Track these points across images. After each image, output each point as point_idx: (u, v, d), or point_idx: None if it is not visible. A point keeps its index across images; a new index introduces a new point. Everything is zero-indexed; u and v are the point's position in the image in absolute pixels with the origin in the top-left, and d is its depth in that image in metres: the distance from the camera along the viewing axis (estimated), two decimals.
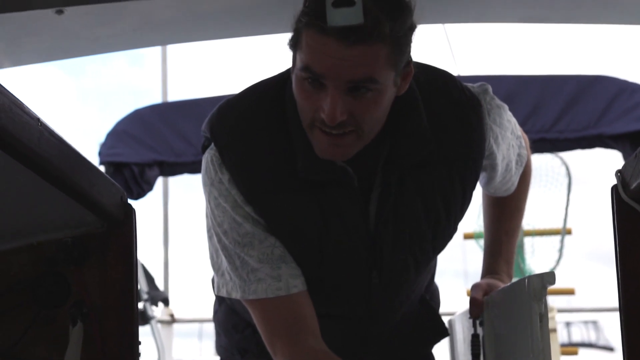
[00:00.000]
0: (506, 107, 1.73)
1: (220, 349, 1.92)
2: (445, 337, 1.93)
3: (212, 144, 1.59)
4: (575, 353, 5.53)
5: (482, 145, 1.64)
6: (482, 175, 1.79)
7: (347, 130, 1.45)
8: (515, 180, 1.89)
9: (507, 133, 1.75)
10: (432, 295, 1.90)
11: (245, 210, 1.57)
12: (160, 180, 5.60)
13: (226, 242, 1.59)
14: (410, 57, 1.48)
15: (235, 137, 1.57)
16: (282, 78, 1.60)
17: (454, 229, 1.70)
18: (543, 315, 1.45)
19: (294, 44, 1.46)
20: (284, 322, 1.59)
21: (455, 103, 1.62)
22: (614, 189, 1.36)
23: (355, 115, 1.44)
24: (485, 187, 1.88)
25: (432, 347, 1.95)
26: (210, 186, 1.59)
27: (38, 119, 1.02)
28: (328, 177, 1.55)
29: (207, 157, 1.59)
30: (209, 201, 1.60)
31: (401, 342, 1.82)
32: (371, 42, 1.38)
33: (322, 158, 1.51)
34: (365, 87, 1.42)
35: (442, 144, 1.59)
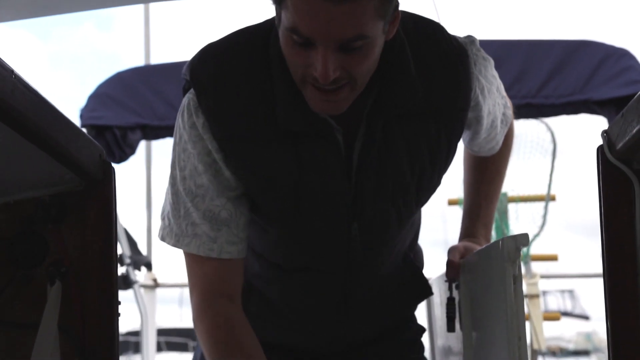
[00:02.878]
0: (492, 61, 1.71)
1: None
2: (429, 296, 1.92)
3: (192, 89, 1.56)
4: (557, 318, 5.56)
5: (468, 94, 1.62)
6: (467, 133, 1.78)
7: (340, 85, 1.44)
8: (500, 139, 1.88)
9: (493, 88, 1.73)
10: (415, 255, 1.88)
11: (211, 158, 1.56)
12: (143, 144, 5.56)
13: (180, 188, 1.59)
14: (397, 1, 1.46)
15: (215, 81, 1.54)
16: (268, 25, 1.57)
17: (438, 182, 1.68)
18: (517, 277, 1.45)
19: (277, 1, 1.43)
20: (206, 280, 1.61)
21: (442, 52, 1.60)
22: (600, 149, 1.35)
23: (348, 69, 1.42)
24: (469, 144, 1.86)
25: (415, 306, 1.94)
26: (182, 129, 1.57)
27: (12, 71, 0.99)
28: (309, 129, 1.53)
29: (185, 101, 1.57)
30: (177, 144, 1.59)
31: (385, 301, 1.80)
32: None
33: (317, 112, 1.50)
34: (356, 44, 1.39)
35: (428, 93, 1.57)
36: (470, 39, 1.66)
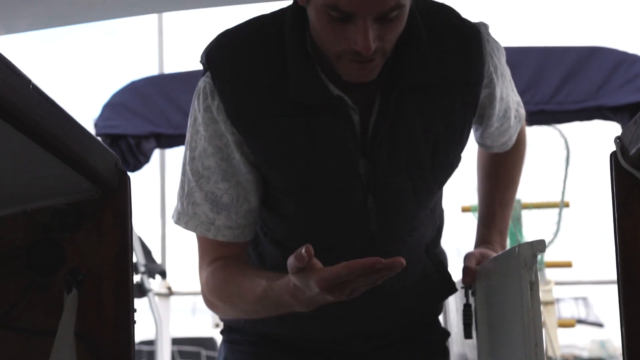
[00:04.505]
0: (504, 51, 1.74)
1: None
2: (453, 293, 1.90)
3: (208, 72, 1.61)
4: (572, 325, 5.54)
5: (482, 69, 1.64)
6: (479, 122, 1.78)
7: (376, 55, 1.48)
8: (513, 135, 1.89)
9: (506, 75, 1.76)
10: (439, 253, 1.88)
11: (222, 142, 1.60)
12: (157, 153, 5.58)
13: (188, 168, 1.65)
14: None
15: (229, 61, 1.59)
16: (281, 10, 1.62)
17: (455, 160, 1.69)
18: (533, 283, 1.44)
19: None
20: (210, 252, 1.69)
21: (454, 29, 1.63)
22: (613, 155, 1.35)
23: (383, 39, 1.46)
24: (481, 137, 1.86)
25: (440, 304, 1.93)
26: (196, 111, 1.62)
27: (29, 81, 1.00)
28: (322, 103, 1.56)
29: (200, 85, 1.62)
30: (191, 125, 1.64)
31: (408, 292, 1.78)
32: None
33: (352, 82, 1.53)
34: (392, 14, 1.44)
35: (442, 67, 1.60)
36: (482, 23, 1.69)
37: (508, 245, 1.97)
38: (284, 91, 1.55)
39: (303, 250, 1.35)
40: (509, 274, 1.53)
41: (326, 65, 1.56)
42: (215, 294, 1.68)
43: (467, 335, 1.79)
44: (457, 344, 2.11)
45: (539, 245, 1.44)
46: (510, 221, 2.04)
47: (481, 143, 1.90)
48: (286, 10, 1.61)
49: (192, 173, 1.64)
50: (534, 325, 1.43)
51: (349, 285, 1.38)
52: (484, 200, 1.98)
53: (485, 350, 1.74)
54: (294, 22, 1.57)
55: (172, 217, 1.71)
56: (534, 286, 1.43)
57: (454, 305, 2.05)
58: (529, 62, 4.21)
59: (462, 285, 1.81)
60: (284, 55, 1.56)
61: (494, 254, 1.82)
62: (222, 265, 1.67)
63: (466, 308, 1.79)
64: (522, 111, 1.89)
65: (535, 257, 1.44)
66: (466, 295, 1.80)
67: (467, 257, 1.82)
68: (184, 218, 1.67)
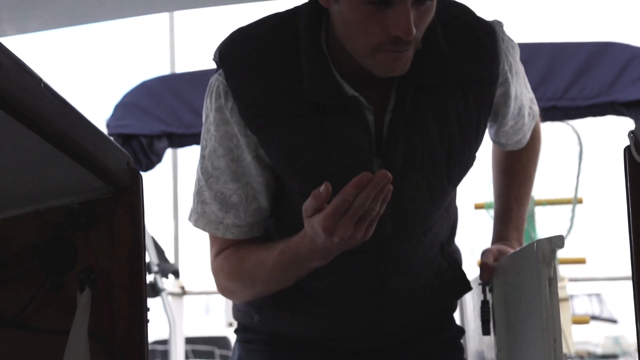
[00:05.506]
0: (518, 48, 1.74)
1: (237, 313, 1.91)
2: (468, 291, 1.89)
3: (220, 70, 1.60)
4: (586, 322, 5.52)
5: (496, 68, 1.64)
6: (494, 120, 1.77)
7: (411, 44, 1.48)
8: (527, 132, 1.88)
9: (521, 73, 1.75)
10: (454, 251, 1.87)
11: (232, 143, 1.60)
12: (169, 152, 5.59)
13: (198, 166, 1.66)
14: None
15: (243, 59, 1.59)
16: (294, 9, 1.62)
17: (470, 160, 1.68)
18: (552, 279, 1.44)
19: None
20: (218, 246, 1.72)
21: (470, 27, 1.63)
22: (627, 149, 1.35)
23: (417, 27, 1.46)
24: (496, 135, 1.86)
25: (454, 302, 1.92)
26: (208, 110, 1.63)
27: (40, 80, 1.00)
28: (336, 102, 1.56)
29: (213, 83, 1.61)
30: (204, 123, 1.65)
31: (422, 291, 1.77)
32: None
33: (385, 77, 1.53)
34: None
35: (457, 66, 1.59)
36: (497, 21, 1.69)
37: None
38: (297, 90, 1.55)
39: (322, 188, 1.38)
40: (527, 270, 1.53)
41: (340, 65, 1.56)
42: (232, 276, 1.70)
43: (485, 332, 1.79)
44: (474, 341, 2.11)
45: (558, 241, 1.44)
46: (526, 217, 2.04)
47: (496, 141, 1.90)
48: (299, 8, 1.61)
49: (202, 172, 1.65)
50: (553, 322, 1.42)
51: (350, 220, 1.40)
52: (499, 196, 1.98)
53: (503, 346, 1.74)
54: (309, 21, 1.57)
55: (188, 214, 1.74)
56: (552, 282, 1.43)
57: (470, 303, 2.05)
58: (541, 58, 4.19)
59: (479, 282, 1.80)
60: (297, 54, 1.56)
61: (512, 250, 1.82)
62: (235, 249, 1.69)
63: (484, 305, 1.79)
64: (536, 108, 1.89)
65: (554, 252, 1.44)
66: (484, 292, 1.79)
67: (485, 254, 1.81)
68: (194, 216, 1.69)
